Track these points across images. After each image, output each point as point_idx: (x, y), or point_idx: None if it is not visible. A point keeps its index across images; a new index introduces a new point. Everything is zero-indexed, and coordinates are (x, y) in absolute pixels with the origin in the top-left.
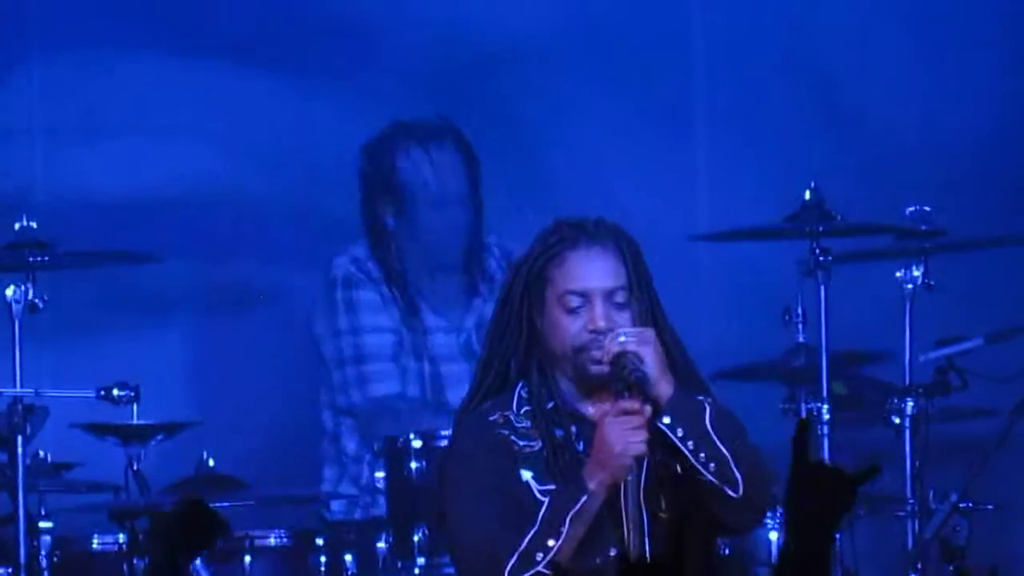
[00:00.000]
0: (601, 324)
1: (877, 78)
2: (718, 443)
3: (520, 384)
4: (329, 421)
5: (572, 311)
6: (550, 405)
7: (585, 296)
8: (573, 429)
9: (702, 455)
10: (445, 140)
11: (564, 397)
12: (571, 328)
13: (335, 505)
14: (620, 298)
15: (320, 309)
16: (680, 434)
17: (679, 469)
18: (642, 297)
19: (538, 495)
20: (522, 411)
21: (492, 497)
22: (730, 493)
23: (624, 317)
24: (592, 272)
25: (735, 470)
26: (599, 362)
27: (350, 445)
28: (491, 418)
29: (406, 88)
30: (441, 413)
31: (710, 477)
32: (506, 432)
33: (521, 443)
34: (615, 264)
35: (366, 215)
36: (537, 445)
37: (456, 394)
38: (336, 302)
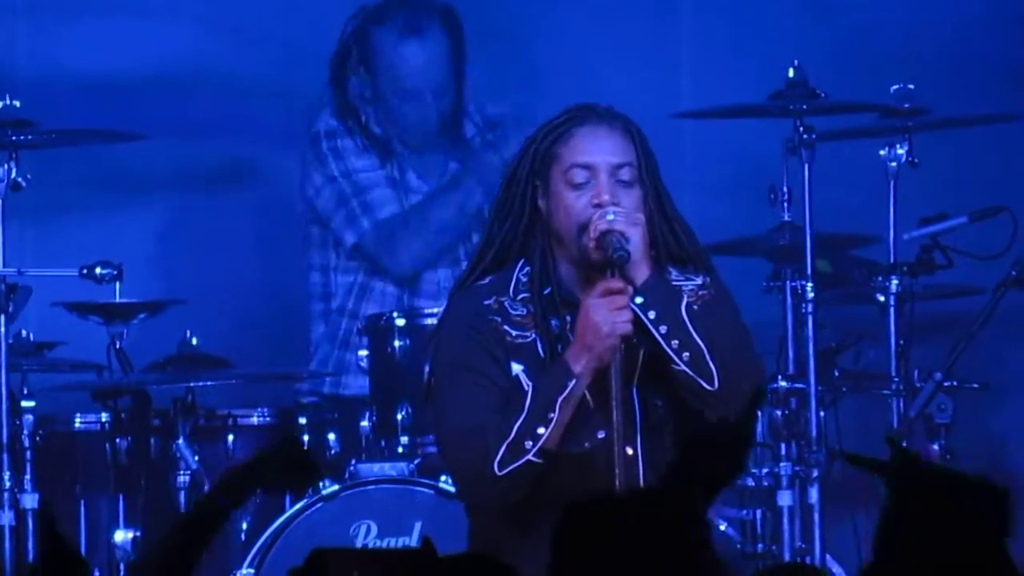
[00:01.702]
0: (605, 198)
1: None
2: (692, 332)
3: (520, 265)
4: (319, 283)
5: (577, 186)
6: (547, 291)
7: (591, 170)
8: (569, 319)
9: (675, 342)
10: (431, 28)
11: (563, 283)
12: (576, 204)
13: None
14: (626, 175)
15: (310, 166)
16: (652, 317)
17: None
18: (649, 182)
19: (527, 389)
20: (519, 297)
21: (480, 385)
22: (704, 385)
23: (630, 195)
24: (599, 146)
25: (710, 362)
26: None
27: (343, 302)
28: (486, 302)
29: None
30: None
31: (683, 366)
32: (499, 320)
33: (514, 333)
34: (622, 142)
35: (337, 84)
36: (530, 336)
37: None
38: (324, 153)
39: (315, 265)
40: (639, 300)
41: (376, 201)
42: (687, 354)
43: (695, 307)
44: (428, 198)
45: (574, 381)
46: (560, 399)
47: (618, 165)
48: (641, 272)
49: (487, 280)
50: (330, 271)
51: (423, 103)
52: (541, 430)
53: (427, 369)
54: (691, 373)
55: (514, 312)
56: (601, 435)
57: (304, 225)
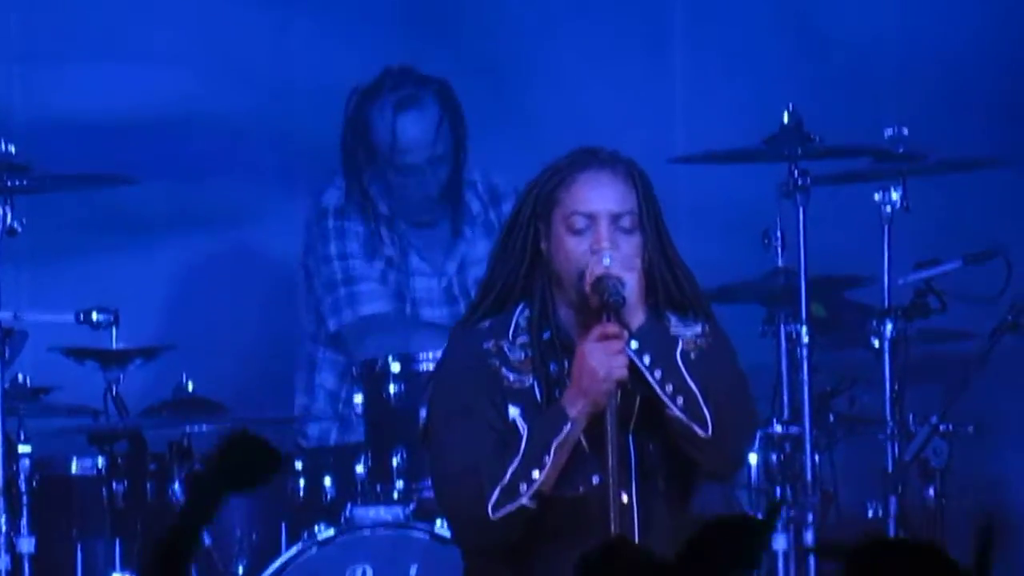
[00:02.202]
0: (605, 244)
1: (852, 0)
2: (687, 377)
3: (520, 308)
4: (308, 351)
5: (577, 232)
6: (547, 335)
7: (591, 218)
8: (567, 363)
9: (669, 387)
10: (425, 100)
11: (562, 328)
12: (576, 250)
13: (311, 431)
14: (627, 223)
15: (312, 239)
16: (647, 362)
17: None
18: (651, 228)
19: (524, 432)
20: (518, 341)
21: (477, 428)
22: (698, 431)
23: (630, 242)
24: (600, 195)
25: (704, 408)
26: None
27: (329, 378)
28: (485, 345)
29: (384, 9)
30: (423, 330)
31: (677, 412)
32: (497, 363)
33: (512, 377)
34: (624, 189)
35: (345, 161)
36: (528, 380)
37: None
38: (328, 230)
39: (305, 335)
40: (634, 344)
41: (363, 296)
42: (681, 399)
43: (691, 354)
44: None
45: (569, 425)
46: (555, 443)
47: (619, 214)
48: (637, 317)
49: (487, 323)
50: (319, 344)
51: (422, 178)
52: (536, 473)
53: (424, 410)
54: (685, 419)
55: (512, 356)
56: (596, 480)
57: (301, 292)
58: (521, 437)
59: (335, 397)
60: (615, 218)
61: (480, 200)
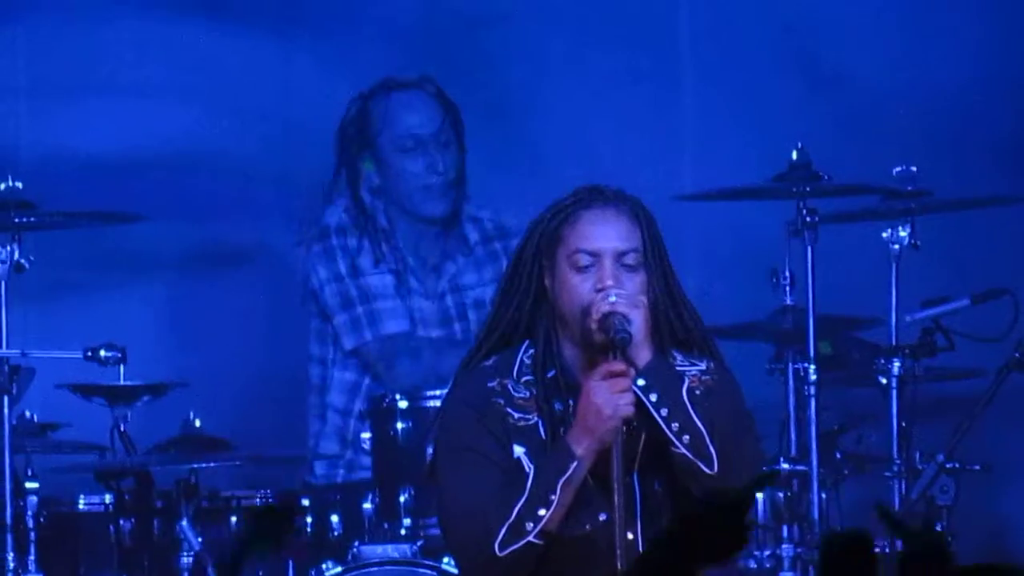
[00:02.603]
0: (609, 283)
1: (859, 39)
2: (693, 415)
3: (524, 346)
4: (317, 375)
5: (582, 270)
6: (551, 374)
7: (595, 256)
8: (572, 402)
9: (675, 425)
10: (421, 89)
11: (567, 366)
12: (580, 287)
13: (319, 469)
14: (631, 260)
15: (316, 259)
16: (654, 399)
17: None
18: (655, 265)
19: (529, 471)
20: (522, 379)
21: (483, 466)
22: (704, 469)
23: (634, 280)
24: (604, 232)
25: (709, 445)
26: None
27: (339, 399)
28: (489, 384)
29: (390, 46)
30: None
31: (683, 449)
32: (502, 402)
33: (516, 415)
34: (628, 227)
35: (347, 169)
36: (533, 419)
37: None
38: (333, 248)
39: (314, 357)
40: (641, 382)
41: (384, 313)
42: (687, 437)
43: (697, 391)
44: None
45: (576, 463)
46: (561, 481)
47: (623, 252)
48: (643, 354)
49: (491, 361)
50: (328, 365)
51: (425, 154)
52: (542, 511)
53: (430, 449)
54: (691, 456)
55: (517, 395)
56: (602, 517)
57: (305, 316)
58: (526, 475)
59: (346, 415)
60: (619, 255)
61: (480, 234)
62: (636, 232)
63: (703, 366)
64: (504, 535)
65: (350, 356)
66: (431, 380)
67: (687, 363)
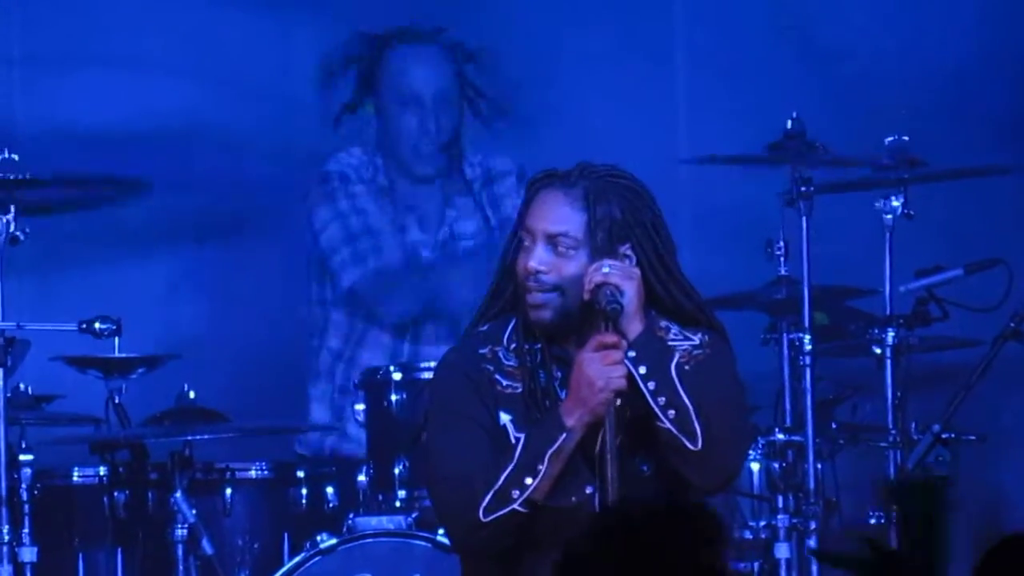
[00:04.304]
0: (531, 264)
1: (854, 11)
2: (680, 390)
3: (515, 317)
4: (318, 314)
5: (524, 248)
6: (536, 346)
7: (531, 235)
8: (558, 374)
9: (661, 399)
10: (434, 42)
11: (552, 339)
12: (519, 263)
13: (313, 440)
14: (563, 246)
15: (316, 202)
16: (642, 372)
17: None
18: (643, 242)
19: (514, 440)
20: (512, 347)
21: (472, 431)
22: (687, 445)
23: (568, 262)
24: (541, 212)
25: (695, 421)
26: (533, 306)
27: (334, 341)
28: (480, 351)
29: (385, 19)
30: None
31: (668, 424)
32: (491, 368)
33: (504, 383)
34: (571, 211)
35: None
36: (519, 388)
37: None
38: (335, 190)
39: (314, 299)
40: (631, 354)
41: (385, 247)
42: (673, 412)
43: (686, 366)
44: (433, 265)
45: (565, 435)
46: (550, 452)
47: (555, 235)
48: (634, 326)
49: (485, 327)
50: (328, 306)
51: (425, 111)
52: (528, 480)
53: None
54: (675, 431)
55: (507, 362)
56: (589, 490)
57: (308, 262)
58: (512, 444)
59: (338, 358)
60: (550, 238)
61: (475, 172)
62: (580, 218)
63: (696, 340)
64: (489, 501)
65: (345, 302)
66: (426, 317)
67: (681, 337)
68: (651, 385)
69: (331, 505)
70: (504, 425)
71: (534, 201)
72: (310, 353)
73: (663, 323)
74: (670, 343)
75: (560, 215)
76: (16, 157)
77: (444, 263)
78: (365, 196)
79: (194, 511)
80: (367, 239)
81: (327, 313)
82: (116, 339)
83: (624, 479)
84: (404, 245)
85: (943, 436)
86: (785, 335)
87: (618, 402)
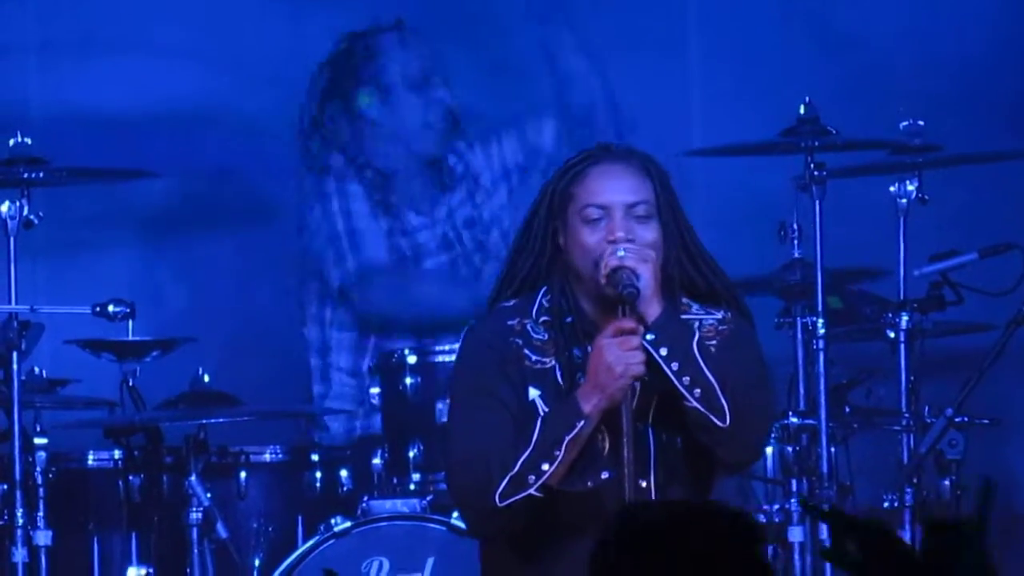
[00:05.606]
0: (620, 234)
1: None
2: (703, 368)
3: (543, 291)
4: (315, 336)
5: (592, 223)
6: (569, 320)
7: (605, 209)
8: (589, 348)
9: (686, 379)
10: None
11: (584, 314)
12: (590, 240)
13: (329, 423)
14: (642, 211)
15: (312, 200)
16: (664, 354)
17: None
18: (670, 220)
19: (541, 416)
20: (541, 320)
21: (494, 410)
22: (716, 422)
23: (647, 229)
24: (613, 186)
25: (721, 398)
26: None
27: (342, 359)
28: (509, 323)
29: (401, 7)
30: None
31: (695, 403)
32: (520, 343)
33: (533, 358)
34: (638, 180)
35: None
36: (549, 363)
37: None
38: (330, 192)
39: (312, 318)
40: (650, 337)
41: (366, 241)
42: (698, 390)
43: (710, 343)
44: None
45: (583, 422)
46: (568, 438)
47: (633, 204)
48: (652, 309)
49: (511, 302)
50: (326, 326)
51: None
52: (545, 466)
53: (446, 400)
54: (702, 409)
55: (536, 336)
56: (605, 475)
57: (303, 277)
58: (535, 424)
59: (355, 375)
60: (629, 207)
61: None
62: (646, 185)
63: (719, 315)
64: (505, 487)
65: (342, 305)
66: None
67: (703, 312)
68: (674, 366)
69: (345, 488)
70: (533, 400)
71: (593, 176)
72: (314, 374)
73: (684, 300)
74: (693, 318)
75: (632, 185)
76: (30, 141)
77: (441, 248)
78: (357, 195)
79: (209, 495)
80: (350, 237)
81: (327, 334)
82: (130, 322)
83: (659, 461)
84: (392, 243)
85: (956, 420)
86: (799, 319)
87: (637, 388)
